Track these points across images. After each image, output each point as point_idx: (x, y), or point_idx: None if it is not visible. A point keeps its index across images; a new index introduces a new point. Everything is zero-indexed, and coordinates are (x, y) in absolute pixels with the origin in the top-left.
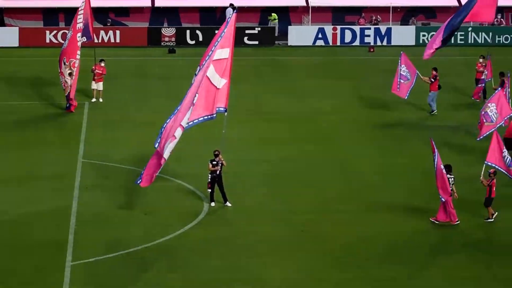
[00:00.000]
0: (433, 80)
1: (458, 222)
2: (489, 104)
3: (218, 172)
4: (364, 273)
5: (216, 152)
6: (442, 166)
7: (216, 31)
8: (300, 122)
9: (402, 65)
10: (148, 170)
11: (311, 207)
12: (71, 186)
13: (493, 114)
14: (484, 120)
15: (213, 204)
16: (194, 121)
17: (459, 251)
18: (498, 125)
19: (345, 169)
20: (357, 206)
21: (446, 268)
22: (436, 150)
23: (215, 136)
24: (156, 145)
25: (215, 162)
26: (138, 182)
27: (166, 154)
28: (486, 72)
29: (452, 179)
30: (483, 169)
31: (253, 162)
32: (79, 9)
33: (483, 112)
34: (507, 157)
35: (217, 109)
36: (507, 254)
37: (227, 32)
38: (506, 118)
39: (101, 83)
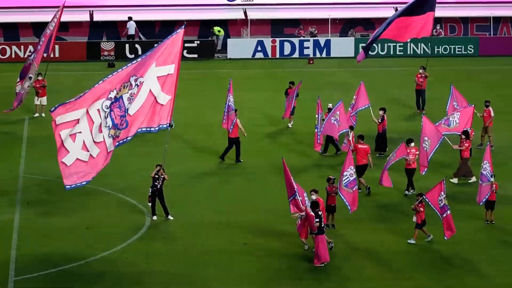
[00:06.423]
0: None
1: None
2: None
3: (159, 186)
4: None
5: (158, 168)
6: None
7: (156, 45)
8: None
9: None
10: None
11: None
12: (12, 201)
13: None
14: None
15: (154, 217)
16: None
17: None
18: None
19: None
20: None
21: None
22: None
23: (158, 150)
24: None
25: (156, 176)
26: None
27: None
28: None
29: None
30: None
31: (194, 176)
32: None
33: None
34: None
35: (160, 125)
36: None
37: (171, 47)
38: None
39: (44, 98)
